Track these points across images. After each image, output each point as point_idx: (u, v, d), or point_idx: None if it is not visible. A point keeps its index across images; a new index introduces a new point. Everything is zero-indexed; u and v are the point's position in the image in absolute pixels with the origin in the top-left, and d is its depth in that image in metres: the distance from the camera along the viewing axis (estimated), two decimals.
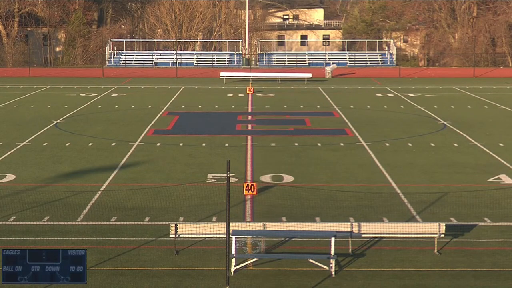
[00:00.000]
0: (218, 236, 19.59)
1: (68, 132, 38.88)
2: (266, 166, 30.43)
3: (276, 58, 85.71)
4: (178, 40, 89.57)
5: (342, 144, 35.49)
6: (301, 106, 49.97)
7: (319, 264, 18.43)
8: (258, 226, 19.85)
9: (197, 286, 17.41)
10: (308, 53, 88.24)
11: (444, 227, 19.76)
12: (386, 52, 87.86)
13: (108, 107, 49.40)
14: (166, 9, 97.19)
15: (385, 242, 20.44)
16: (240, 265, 18.40)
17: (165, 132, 39.37)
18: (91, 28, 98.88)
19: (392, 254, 19.62)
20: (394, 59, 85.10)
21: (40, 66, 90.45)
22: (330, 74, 72.15)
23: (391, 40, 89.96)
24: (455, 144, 35.44)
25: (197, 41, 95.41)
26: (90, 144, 35.44)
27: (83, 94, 57.28)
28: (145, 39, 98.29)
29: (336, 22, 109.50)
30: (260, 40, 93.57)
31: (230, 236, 17.48)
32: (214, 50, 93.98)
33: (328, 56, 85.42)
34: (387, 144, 35.38)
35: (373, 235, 20.27)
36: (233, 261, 18.21)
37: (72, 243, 20.29)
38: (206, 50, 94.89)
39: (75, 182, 27.66)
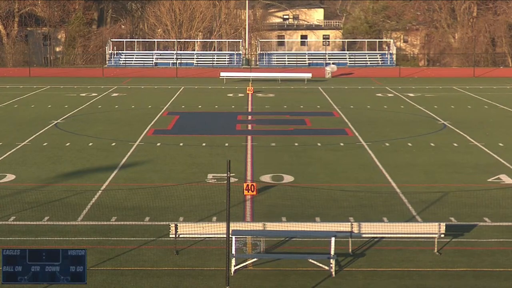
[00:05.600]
0: (218, 236, 19.59)
1: (68, 132, 38.88)
2: (266, 166, 30.43)
3: (276, 58, 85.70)
4: (178, 40, 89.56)
5: (342, 144, 35.49)
6: (301, 106, 49.96)
7: (319, 264, 18.43)
8: (258, 226, 19.85)
9: (197, 286, 17.41)
10: (308, 53, 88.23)
11: (444, 227, 19.76)
12: (386, 52, 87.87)
13: (108, 107, 49.41)
14: (166, 9, 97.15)
15: (385, 242, 20.45)
16: (240, 265, 18.40)
17: (165, 132, 39.38)
18: (91, 28, 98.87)
19: (392, 254, 19.63)
20: (394, 59, 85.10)
21: (40, 66, 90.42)
22: (330, 74, 72.14)
23: (391, 40, 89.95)
24: (455, 144, 35.44)
25: (197, 41, 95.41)
26: (90, 144, 35.44)
27: (83, 94, 57.28)
28: (145, 39, 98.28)
29: (336, 22, 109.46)
30: (260, 40, 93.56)
31: (230, 236, 17.48)
32: (214, 50, 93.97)
33: (328, 56, 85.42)
34: (387, 144, 35.38)
35: (373, 235, 20.27)
36: (233, 261, 18.21)
37: (72, 243, 20.29)
38: (206, 50, 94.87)
39: (75, 182, 27.66)
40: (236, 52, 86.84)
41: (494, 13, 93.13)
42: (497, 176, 28.67)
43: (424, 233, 19.92)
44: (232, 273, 18.02)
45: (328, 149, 34.28)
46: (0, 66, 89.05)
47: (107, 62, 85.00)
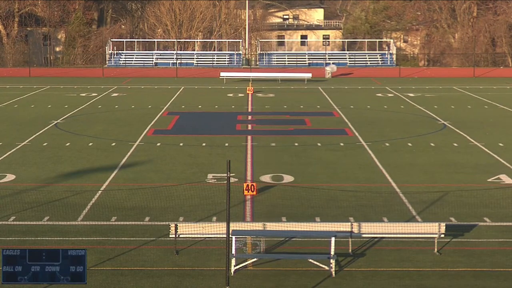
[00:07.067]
0: (218, 236, 19.59)
1: (68, 132, 38.88)
2: (266, 166, 30.43)
3: (276, 58, 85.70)
4: (178, 40, 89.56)
5: (342, 144, 35.49)
6: (301, 106, 49.96)
7: (319, 264, 18.43)
8: (258, 226, 19.85)
9: (197, 286, 17.41)
10: (308, 53, 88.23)
11: (444, 227, 19.76)
12: (386, 52, 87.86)
13: (108, 107, 49.40)
14: (166, 9, 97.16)
15: (385, 242, 20.45)
16: (240, 265, 18.40)
17: (165, 132, 39.37)
18: (91, 28, 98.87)
19: (392, 254, 19.63)
20: (394, 59, 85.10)
21: (40, 66, 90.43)
22: (330, 74, 72.14)
23: (391, 40, 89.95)
24: (455, 144, 35.44)
25: (197, 41, 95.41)
26: (90, 144, 35.45)
27: (83, 94, 57.28)
28: (145, 39, 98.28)
29: (336, 22, 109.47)
30: (260, 40, 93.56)
31: (230, 236, 17.48)
32: (214, 50, 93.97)
33: (328, 56, 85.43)
34: (387, 144, 35.39)
35: (373, 235, 20.27)
36: (233, 261, 18.21)
37: (72, 243, 20.29)
38: (206, 50, 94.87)
39: (75, 182, 27.66)
40: (236, 52, 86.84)
41: (494, 13, 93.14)
42: (497, 176, 28.67)
43: (424, 233, 19.92)
44: (232, 273, 18.02)
45: (328, 149, 34.28)
46: (0, 66, 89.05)
47: (107, 62, 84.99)
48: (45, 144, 35.45)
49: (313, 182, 27.61)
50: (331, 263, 18.17)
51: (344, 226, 19.71)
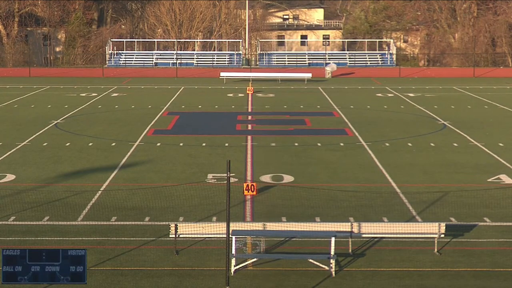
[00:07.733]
0: (218, 236, 19.59)
1: (68, 132, 38.88)
2: (266, 166, 30.43)
3: (276, 58, 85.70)
4: (178, 40, 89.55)
5: (342, 144, 35.49)
6: (301, 106, 49.96)
7: (319, 264, 18.43)
8: (258, 226, 19.85)
9: (197, 286, 17.41)
10: (308, 53, 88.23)
11: (444, 227, 19.76)
12: (386, 52, 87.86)
13: (108, 107, 49.40)
14: (166, 9, 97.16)
15: (385, 242, 20.44)
16: (240, 265, 18.40)
17: (165, 132, 39.38)
18: (91, 28, 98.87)
19: (392, 254, 19.63)
20: (394, 59, 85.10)
21: (40, 66, 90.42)
22: (330, 74, 72.14)
23: (391, 40, 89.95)
24: (455, 144, 35.44)
25: (197, 41, 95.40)
26: (90, 144, 35.45)
27: (83, 94, 57.28)
28: (145, 39, 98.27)
29: (336, 22, 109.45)
30: (260, 40, 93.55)
31: (230, 236, 17.48)
32: (214, 50, 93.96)
33: (328, 56, 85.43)
34: (387, 144, 35.39)
35: (373, 235, 20.27)
36: (233, 261, 18.21)
37: (72, 243, 20.29)
38: (206, 50, 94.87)
39: (75, 182, 27.66)
40: (236, 52, 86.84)
41: (494, 13, 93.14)
42: (497, 176, 28.67)
43: (424, 233, 19.91)
44: (232, 273, 18.02)
45: (328, 149, 34.28)
46: (0, 66, 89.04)
47: (107, 62, 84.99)
48: (45, 144, 35.45)
49: (313, 182, 27.62)
50: (331, 263, 18.17)
51: (344, 226, 19.71)
